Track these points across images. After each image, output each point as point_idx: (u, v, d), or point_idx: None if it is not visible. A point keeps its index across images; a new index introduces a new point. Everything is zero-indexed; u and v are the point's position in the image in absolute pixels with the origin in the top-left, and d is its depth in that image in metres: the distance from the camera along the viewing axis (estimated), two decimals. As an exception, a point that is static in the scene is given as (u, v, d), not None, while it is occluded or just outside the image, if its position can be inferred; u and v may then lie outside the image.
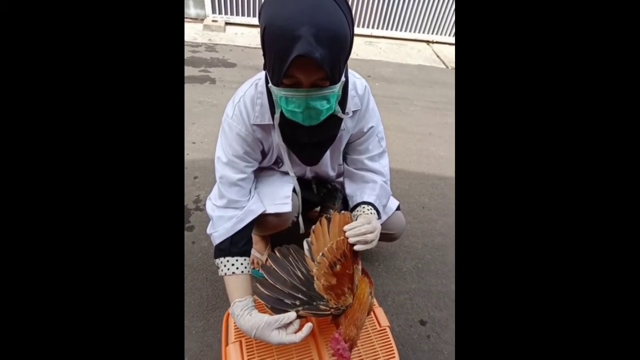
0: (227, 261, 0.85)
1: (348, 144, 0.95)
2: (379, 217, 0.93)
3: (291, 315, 0.72)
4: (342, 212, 0.87)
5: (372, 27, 3.63)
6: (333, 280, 0.73)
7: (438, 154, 2.05)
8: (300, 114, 0.72)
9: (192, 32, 3.06)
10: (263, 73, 0.80)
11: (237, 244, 0.86)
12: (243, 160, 0.86)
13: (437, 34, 3.75)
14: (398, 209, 1.11)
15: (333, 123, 0.81)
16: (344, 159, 1.01)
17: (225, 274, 0.85)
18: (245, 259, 0.87)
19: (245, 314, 0.78)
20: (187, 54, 2.69)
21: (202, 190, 1.54)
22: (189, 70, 2.47)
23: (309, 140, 0.83)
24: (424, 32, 3.73)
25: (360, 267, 0.81)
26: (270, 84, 0.71)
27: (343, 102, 0.79)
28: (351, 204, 0.96)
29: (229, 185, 0.86)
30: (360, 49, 3.36)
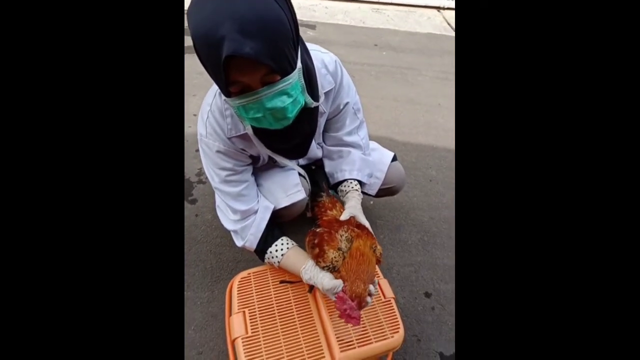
0: (271, 252, 0.87)
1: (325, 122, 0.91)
2: (362, 186, 0.95)
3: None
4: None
5: (380, -7, 3.46)
6: (316, 251, 0.77)
7: (447, 125, 1.99)
8: (264, 119, 0.65)
9: (191, 0, 2.94)
10: None
11: (270, 236, 0.87)
12: (236, 173, 0.83)
13: (448, -1, 3.57)
14: (395, 159, 1.07)
15: (308, 115, 0.74)
16: (322, 137, 0.97)
17: (279, 262, 0.87)
18: (282, 239, 0.88)
19: (316, 274, 0.79)
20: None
21: (205, 163, 1.51)
22: (188, 40, 2.38)
23: (289, 143, 0.78)
24: (434, -3, 3.55)
25: (353, 227, 0.80)
26: (224, 98, 0.65)
27: (312, 89, 0.71)
28: (332, 182, 0.96)
29: (234, 199, 0.84)
30: (366, 17, 3.21)
